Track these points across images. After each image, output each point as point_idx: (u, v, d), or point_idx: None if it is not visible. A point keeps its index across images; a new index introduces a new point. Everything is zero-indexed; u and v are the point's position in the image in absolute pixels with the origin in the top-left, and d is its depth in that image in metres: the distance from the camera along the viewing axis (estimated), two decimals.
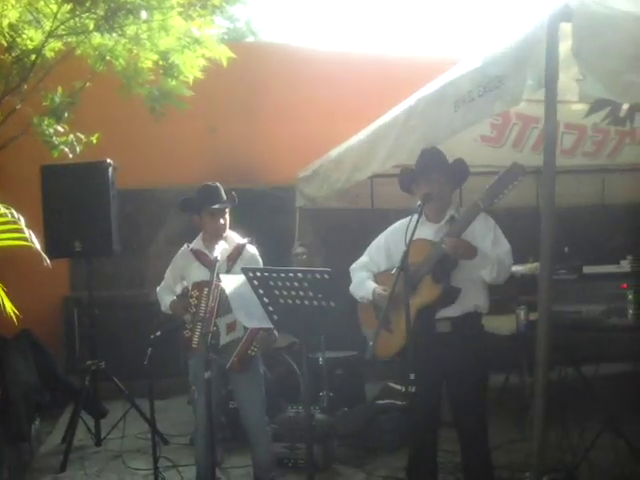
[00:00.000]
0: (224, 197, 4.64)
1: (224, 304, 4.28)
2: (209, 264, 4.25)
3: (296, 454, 5.42)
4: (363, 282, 4.08)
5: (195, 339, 4.42)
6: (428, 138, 4.15)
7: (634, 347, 4.61)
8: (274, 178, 8.62)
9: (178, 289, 4.77)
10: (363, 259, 4.21)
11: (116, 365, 6.53)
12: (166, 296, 4.74)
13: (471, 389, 3.84)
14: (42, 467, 5.88)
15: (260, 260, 4.68)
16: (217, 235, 4.52)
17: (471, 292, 3.81)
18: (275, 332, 4.48)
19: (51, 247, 5.92)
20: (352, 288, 4.12)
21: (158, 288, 4.85)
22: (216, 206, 4.54)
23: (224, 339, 4.41)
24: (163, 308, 4.75)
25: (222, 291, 4.13)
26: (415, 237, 3.56)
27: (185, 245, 4.75)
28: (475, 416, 3.87)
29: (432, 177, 3.87)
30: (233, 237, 4.69)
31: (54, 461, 5.89)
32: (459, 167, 3.99)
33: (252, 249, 4.71)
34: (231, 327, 4.45)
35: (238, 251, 4.62)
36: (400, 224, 4.08)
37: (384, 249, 4.10)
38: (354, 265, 4.24)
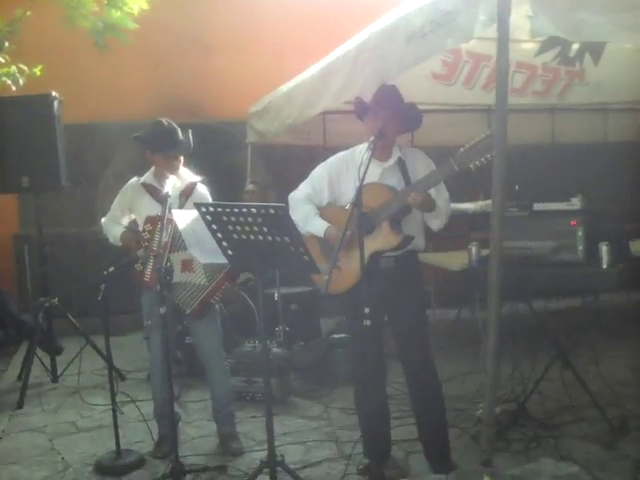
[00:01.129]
0: (180, 138, 4.58)
1: (178, 239, 4.28)
2: (161, 199, 4.21)
3: (253, 388, 5.51)
4: (310, 218, 4.03)
5: (147, 273, 4.38)
6: (379, 73, 4.12)
7: (582, 282, 4.73)
8: (224, 113, 8.51)
9: (125, 221, 4.70)
10: (305, 189, 4.11)
11: (70, 302, 6.50)
12: (114, 227, 4.65)
13: (413, 321, 3.95)
14: None
15: (209, 198, 4.64)
16: (170, 174, 4.47)
17: (414, 233, 3.89)
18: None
19: None
20: (297, 220, 3.85)
21: (103, 219, 4.76)
22: (172, 153, 4.51)
23: (178, 276, 4.35)
24: (112, 240, 4.66)
25: (175, 226, 4.13)
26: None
27: (135, 178, 4.68)
28: (419, 347, 3.95)
29: (379, 113, 3.84)
30: (185, 175, 4.65)
31: (11, 398, 5.88)
32: (411, 112, 3.95)
33: (203, 189, 4.68)
34: (187, 265, 4.41)
35: (190, 188, 4.60)
36: (342, 155, 4.07)
37: (327, 181, 4.04)
38: (295, 195, 4.13)
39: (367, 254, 3.62)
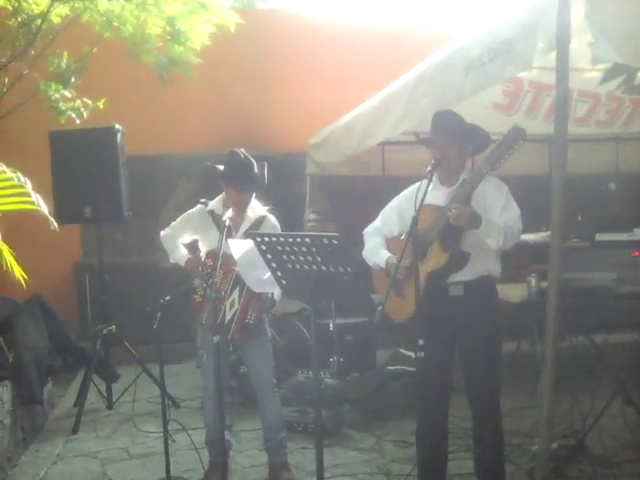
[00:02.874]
0: (254, 173, 4.50)
1: (235, 286, 4.29)
2: (227, 231, 4.17)
3: (306, 418, 5.45)
4: (376, 249, 4.04)
5: (205, 315, 4.32)
6: (438, 103, 4.10)
7: None
8: (285, 145, 8.57)
9: (185, 240, 4.55)
10: (377, 223, 4.16)
11: (127, 330, 6.56)
12: (176, 249, 4.59)
13: (483, 354, 3.79)
14: (55, 429, 5.95)
15: (279, 228, 4.61)
16: (239, 208, 4.48)
17: (481, 256, 3.72)
18: (274, 296, 4.41)
19: (61, 213, 5.96)
20: (365, 253, 4.09)
21: (162, 233, 4.71)
22: (244, 189, 4.47)
23: (228, 315, 4.36)
24: (172, 259, 4.63)
25: (237, 275, 4.14)
26: (427, 202, 3.52)
27: (202, 202, 4.62)
28: (487, 381, 3.82)
29: (437, 140, 3.78)
30: (255, 207, 4.62)
31: (66, 424, 5.96)
32: (475, 133, 3.82)
33: (273, 219, 4.65)
34: (232, 304, 4.38)
35: (259, 222, 4.57)
36: (415, 187, 3.92)
37: (397, 213, 4.04)
38: (368, 229, 4.18)
39: (423, 276, 3.57)
